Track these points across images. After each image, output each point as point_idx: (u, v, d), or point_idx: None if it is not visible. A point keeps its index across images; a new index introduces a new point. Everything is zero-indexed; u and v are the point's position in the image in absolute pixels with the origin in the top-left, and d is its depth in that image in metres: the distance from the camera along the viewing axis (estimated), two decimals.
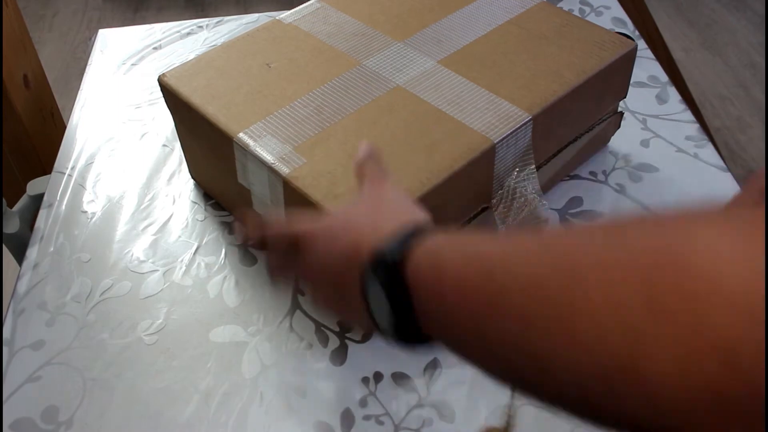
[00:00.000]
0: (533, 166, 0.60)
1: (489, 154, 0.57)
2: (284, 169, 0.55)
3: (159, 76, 0.63)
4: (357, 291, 0.38)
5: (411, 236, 0.36)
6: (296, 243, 0.43)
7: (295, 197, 0.54)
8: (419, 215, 0.42)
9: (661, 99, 0.81)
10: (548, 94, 0.60)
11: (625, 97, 0.71)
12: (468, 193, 0.58)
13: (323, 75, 0.63)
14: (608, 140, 0.75)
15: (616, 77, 0.67)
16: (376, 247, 0.36)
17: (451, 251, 0.33)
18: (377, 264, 0.36)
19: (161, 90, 0.65)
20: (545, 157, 0.65)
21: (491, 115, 0.58)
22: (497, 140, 0.57)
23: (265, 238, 0.46)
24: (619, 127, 0.74)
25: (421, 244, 0.35)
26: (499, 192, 0.61)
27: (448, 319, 0.32)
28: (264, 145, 0.56)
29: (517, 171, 0.60)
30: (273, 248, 0.46)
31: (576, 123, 0.67)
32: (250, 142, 0.57)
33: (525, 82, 0.61)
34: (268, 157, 0.55)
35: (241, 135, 0.57)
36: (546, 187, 0.67)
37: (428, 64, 0.63)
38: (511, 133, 0.58)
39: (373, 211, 0.42)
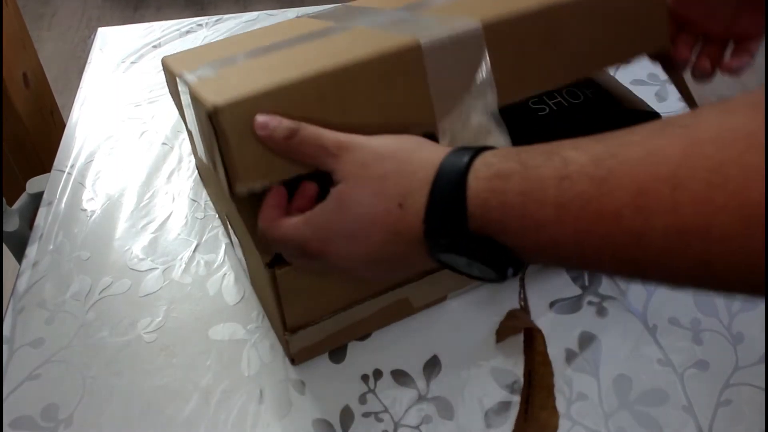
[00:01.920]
0: (493, 87, 0.50)
1: (415, 60, 0.46)
2: (192, 79, 0.47)
3: (162, 58, 0.62)
4: (424, 258, 0.37)
5: (458, 181, 0.34)
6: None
7: (198, 106, 0.46)
8: (425, 151, 0.38)
9: (660, 97, 0.82)
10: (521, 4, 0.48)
11: (664, 46, 0.56)
12: (397, 109, 0.47)
13: (296, 33, 0.55)
14: None
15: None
16: (425, 219, 0.35)
17: (508, 182, 0.33)
18: (438, 235, 0.35)
19: (164, 71, 0.64)
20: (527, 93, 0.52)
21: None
22: (425, 42, 0.45)
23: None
24: None
25: (469, 185, 0.34)
26: (447, 118, 0.49)
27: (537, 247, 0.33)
28: (195, 73, 0.49)
29: (472, 94, 0.48)
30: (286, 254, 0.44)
31: (578, 57, 0.52)
32: (185, 72, 0.50)
33: None
34: (188, 77, 0.48)
35: (183, 71, 0.50)
36: None
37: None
38: (448, 38, 0.46)
39: (381, 190, 0.37)
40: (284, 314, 0.51)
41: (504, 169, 0.34)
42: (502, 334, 0.58)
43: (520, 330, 0.58)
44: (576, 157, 0.32)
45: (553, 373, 0.55)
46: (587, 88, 0.59)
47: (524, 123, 0.56)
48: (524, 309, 0.59)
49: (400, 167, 0.37)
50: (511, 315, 0.59)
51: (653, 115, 0.57)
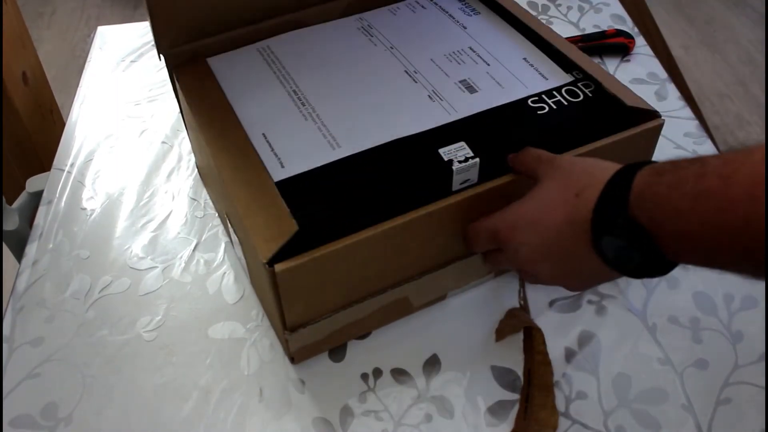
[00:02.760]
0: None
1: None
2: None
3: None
4: (585, 254, 0.44)
5: (627, 177, 0.42)
6: (497, 240, 0.50)
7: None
8: (609, 164, 0.45)
9: (660, 96, 0.82)
10: None
11: None
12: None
13: None
14: None
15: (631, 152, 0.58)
16: (595, 208, 0.43)
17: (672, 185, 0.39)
18: (603, 216, 0.42)
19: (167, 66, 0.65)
20: None
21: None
22: None
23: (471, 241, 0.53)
24: None
25: (641, 180, 0.41)
26: None
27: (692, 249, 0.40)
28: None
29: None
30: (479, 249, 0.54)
31: None
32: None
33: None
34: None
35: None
36: None
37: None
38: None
39: (566, 183, 0.46)
40: (284, 313, 0.51)
41: (659, 168, 0.41)
42: (502, 332, 0.58)
43: (519, 329, 0.58)
44: (713, 161, 0.38)
45: (553, 372, 0.55)
46: (587, 87, 0.59)
47: (524, 122, 0.56)
48: (524, 308, 0.60)
49: (586, 169, 0.46)
50: (511, 314, 0.59)
51: (653, 114, 0.57)
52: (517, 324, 0.58)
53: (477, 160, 0.52)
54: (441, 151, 0.53)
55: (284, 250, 0.48)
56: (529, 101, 0.58)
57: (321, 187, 0.52)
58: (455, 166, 0.52)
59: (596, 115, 0.57)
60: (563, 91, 0.58)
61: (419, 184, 0.52)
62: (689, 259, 0.41)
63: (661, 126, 0.57)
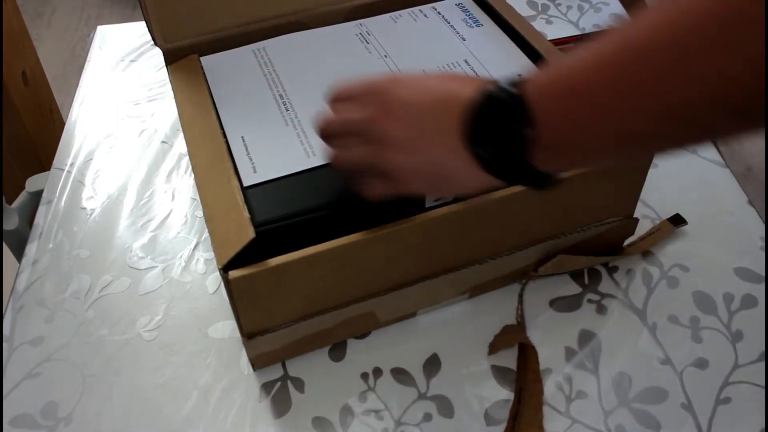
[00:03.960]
0: None
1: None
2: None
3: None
4: (454, 134, 0.40)
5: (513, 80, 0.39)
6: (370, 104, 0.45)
7: None
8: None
9: None
10: None
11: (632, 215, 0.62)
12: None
13: None
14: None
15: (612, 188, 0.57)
16: (482, 85, 0.40)
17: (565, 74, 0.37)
18: (491, 89, 0.39)
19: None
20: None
21: None
22: None
23: (334, 122, 0.48)
24: (632, 234, 0.65)
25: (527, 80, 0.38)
26: None
27: (576, 128, 0.36)
28: None
29: None
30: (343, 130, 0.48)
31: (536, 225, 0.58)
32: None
33: None
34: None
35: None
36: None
37: None
38: None
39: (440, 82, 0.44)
40: (240, 319, 0.51)
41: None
42: (495, 347, 0.58)
43: (514, 344, 0.58)
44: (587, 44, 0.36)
45: (543, 391, 0.55)
46: None
47: None
48: (520, 325, 0.59)
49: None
50: (507, 330, 0.59)
51: None
52: (512, 340, 0.58)
53: None
54: None
55: (242, 257, 0.47)
56: None
57: (289, 196, 0.51)
58: None
59: None
60: None
61: (392, 200, 0.51)
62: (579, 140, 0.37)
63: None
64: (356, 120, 0.46)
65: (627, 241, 0.65)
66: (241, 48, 0.65)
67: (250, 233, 0.47)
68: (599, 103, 0.35)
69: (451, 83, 0.43)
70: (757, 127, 0.32)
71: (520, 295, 0.62)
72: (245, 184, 0.51)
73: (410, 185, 0.45)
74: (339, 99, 0.49)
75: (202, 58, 0.64)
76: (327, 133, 0.49)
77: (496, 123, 0.39)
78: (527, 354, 0.57)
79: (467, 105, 0.40)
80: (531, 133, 0.37)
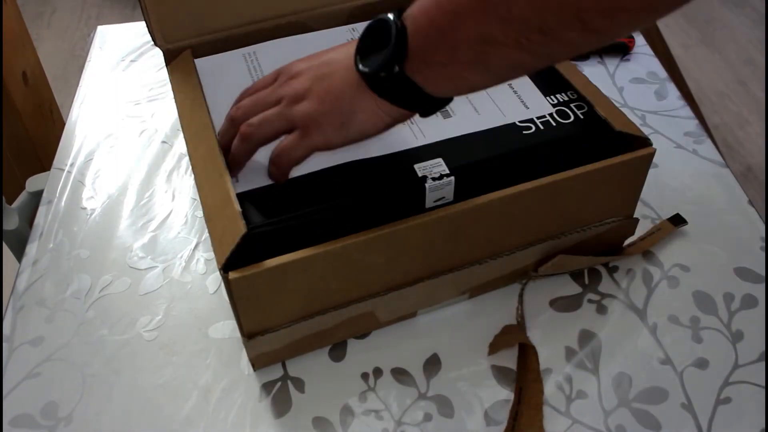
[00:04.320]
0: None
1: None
2: None
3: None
4: (350, 68, 0.46)
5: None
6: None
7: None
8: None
9: (660, 95, 0.82)
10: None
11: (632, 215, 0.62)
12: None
13: None
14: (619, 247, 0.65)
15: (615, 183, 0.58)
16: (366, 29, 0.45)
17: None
18: (376, 22, 0.44)
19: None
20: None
21: None
22: None
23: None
24: (632, 234, 0.65)
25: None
26: None
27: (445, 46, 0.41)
28: None
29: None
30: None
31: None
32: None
33: None
34: None
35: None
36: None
37: None
38: None
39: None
40: (240, 319, 0.51)
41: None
42: (495, 347, 0.58)
43: (514, 344, 0.58)
44: None
45: (543, 391, 0.55)
46: (579, 109, 0.58)
47: (508, 141, 0.55)
48: (520, 325, 0.59)
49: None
50: (507, 330, 0.59)
51: (643, 141, 0.56)
52: (512, 340, 0.58)
53: (452, 178, 0.51)
54: (416, 166, 0.52)
55: (242, 257, 0.47)
56: (516, 120, 0.57)
57: (287, 196, 0.51)
58: (428, 183, 0.51)
59: (583, 137, 0.56)
60: (554, 111, 0.57)
61: (392, 200, 0.51)
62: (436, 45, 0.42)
63: (651, 155, 0.56)
64: (262, 95, 0.50)
65: (627, 241, 0.65)
66: (232, 51, 0.65)
67: (242, 229, 0.47)
68: (457, 10, 0.40)
69: (347, 44, 0.48)
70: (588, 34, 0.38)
71: (521, 295, 0.62)
72: (239, 190, 0.51)
73: (319, 131, 0.48)
74: (245, 95, 0.54)
75: (196, 60, 0.64)
76: (238, 117, 0.51)
77: (375, 40, 0.44)
78: (527, 354, 0.57)
79: (358, 43, 0.46)
80: (402, 38, 0.42)
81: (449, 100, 0.48)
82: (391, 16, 0.43)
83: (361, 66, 0.45)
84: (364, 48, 0.45)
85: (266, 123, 0.49)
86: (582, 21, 0.37)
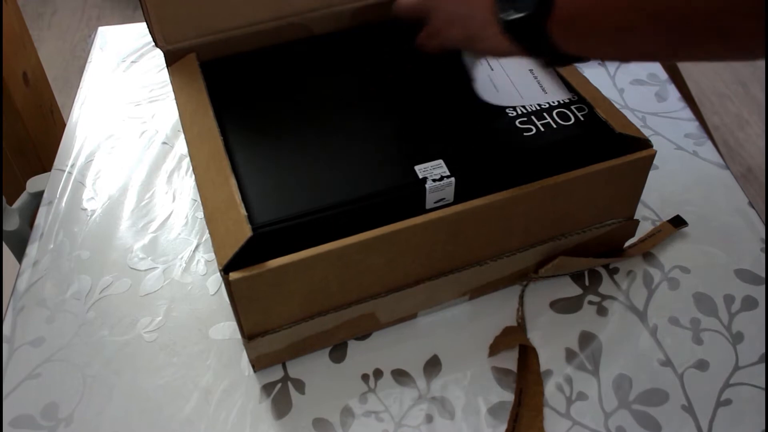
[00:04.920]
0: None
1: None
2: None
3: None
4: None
5: None
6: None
7: None
8: None
9: (660, 97, 0.82)
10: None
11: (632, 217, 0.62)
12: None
13: None
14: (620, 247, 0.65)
15: (615, 184, 0.58)
16: None
17: None
18: None
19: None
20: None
21: None
22: None
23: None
24: (633, 236, 0.65)
25: None
26: None
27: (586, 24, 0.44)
28: None
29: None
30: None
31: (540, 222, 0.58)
32: None
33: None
34: None
35: None
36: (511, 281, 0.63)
37: None
38: None
39: None
40: (241, 320, 0.51)
41: None
42: (496, 348, 0.58)
43: (514, 346, 0.58)
44: None
45: (543, 393, 0.55)
46: (580, 111, 0.58)
47: (508, 143, 0.55)
48: (521, 326, 0.59)
49: None
50: (507, 331, 0.59)
51: (643, 142, 0.56)
52: (512, 341, 0.58)
53: (452, 179, 0.51)
54: (417, 167, 0.52)
55: (243, 258, 0.47)
56: (516, 122, 0.57)
57: (289, 197, 0.51)
58: (429, 184, 0.51)
59: (584, 140, 0.56)
60: (554, 113, 0.57)
61: (392, 201, 0.51)
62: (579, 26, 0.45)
63: (652, 156, 0.56)
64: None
65: (628, 243, 0.65)
66: (239, 54, 0.65)
67: (248, 232, 0.47)
68: None
69: None
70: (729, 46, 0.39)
71: (521, 297, 0.62)
72: (247, 188, 0.52)
73: (451, 34, 0.53)
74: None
75: (200, 62, 0.64)
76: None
77: None
78: (528, 355, 0.57)
79: None
80: (546, 8, 0.44)
81: (577, 59, 0.49)
82: None
83: (501, 14, 0.47)
84: None
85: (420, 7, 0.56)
86: (724, 35, 0.39)
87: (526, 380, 0.55)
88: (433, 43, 0.56)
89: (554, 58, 0.48)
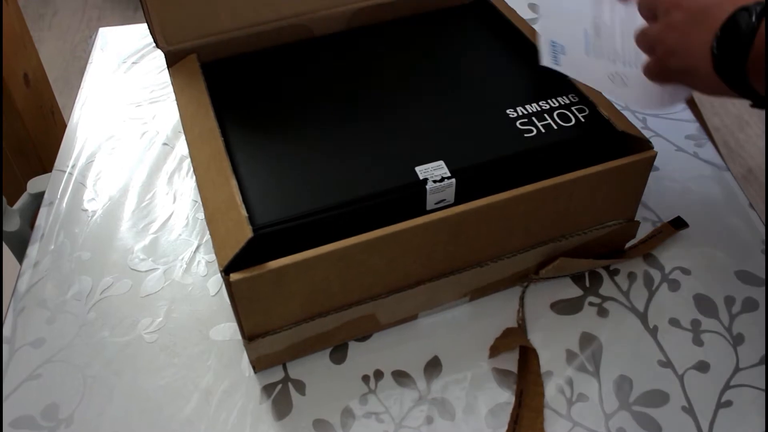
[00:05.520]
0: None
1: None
2: None
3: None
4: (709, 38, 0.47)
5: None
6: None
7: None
8: None
9: None
10: None
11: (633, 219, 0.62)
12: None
13: None
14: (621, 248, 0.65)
15: (614, 186, 0.57)
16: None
17: None
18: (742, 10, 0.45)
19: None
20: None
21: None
22: None
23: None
24: (633, 237, 0.65)
25: None
26: None
27: None
28: None
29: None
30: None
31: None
32: None
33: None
34: None
35: None
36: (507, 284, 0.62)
37: None
38: None
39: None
40: (242, 321, 0.51)
41: None
42: (496, 349, 0.58)
43: (515, 347, 0.58)
44: None
45: (544, 394, 0.55)
46: (581, 112, 0.58)
47: (509, 144, 0.55)
48: (521, 327, 0.59)
49: None
50: (508, 332, 0.59)
51: (644, 143, 0.56)
52: (513, 343, 0.58)
53: (453, 180, 0.52)
54: (417, 168, 0.52)
55: (243, 259, 0.47)
56: (517, 123, 0.57)
57: (290, 198, 0.51)
58: (429, 185, 0.51)
59: (585, 141, 0.56)
60: (555, 114, 0.57)
61: (393, 202, 0.51)
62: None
63: (653, 158, 0.56)
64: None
65: (628, 244, 0.65)
66: (240, 54, 0.65)
67: (248, 233, 0.47)
68: None
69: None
70: None
71: (521, 298, 0.62)
72: (247, 189, 0.52)
73: (671, 63, 0.51)
74: None
75: (201, 63, 0.64)
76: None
77: (735, 33, 0.45)
78: (528, 357, 0.57)
79: (726, 17, 0.46)
80: (749, 38, 0.44)
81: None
82: (752, 10, 0.44)
83: (715, 49, 0.46)
84: (722, 32, 0.46)
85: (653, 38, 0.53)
86: None
87: (526, 381, 0.55)
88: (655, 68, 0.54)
89: (755, 98, 0.47)
